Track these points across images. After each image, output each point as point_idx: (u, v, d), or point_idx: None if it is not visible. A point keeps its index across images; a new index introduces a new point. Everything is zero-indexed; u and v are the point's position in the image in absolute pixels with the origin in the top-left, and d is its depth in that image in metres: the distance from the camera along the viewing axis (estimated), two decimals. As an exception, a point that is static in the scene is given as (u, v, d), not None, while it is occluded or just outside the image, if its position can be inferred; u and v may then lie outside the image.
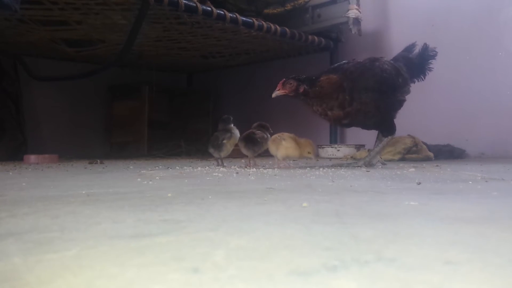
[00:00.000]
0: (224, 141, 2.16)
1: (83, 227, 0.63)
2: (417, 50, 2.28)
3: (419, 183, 1.29)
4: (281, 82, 2.11)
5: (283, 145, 2.01)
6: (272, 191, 1.07)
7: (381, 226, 0.63)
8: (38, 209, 0.81)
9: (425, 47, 2.25)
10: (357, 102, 2.01)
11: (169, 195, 0.98)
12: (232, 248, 0.50)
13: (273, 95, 2.14)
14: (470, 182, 1.32)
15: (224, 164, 2.25)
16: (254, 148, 2.10)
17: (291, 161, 2.37)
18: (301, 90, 2.05)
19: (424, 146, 3.08)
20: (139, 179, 1.40)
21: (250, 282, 0.39)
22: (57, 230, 0.61)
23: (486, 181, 1.36)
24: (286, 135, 2.06)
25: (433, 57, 2.27)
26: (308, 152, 2.02)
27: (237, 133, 2.24)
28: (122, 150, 3.98)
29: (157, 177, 1.49)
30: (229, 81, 4.99)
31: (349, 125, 2.18)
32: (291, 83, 2.08)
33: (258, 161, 2.25)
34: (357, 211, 0.77)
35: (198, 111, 4.62)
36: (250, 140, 2.11)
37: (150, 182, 1.31)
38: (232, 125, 2.27)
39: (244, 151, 2.16)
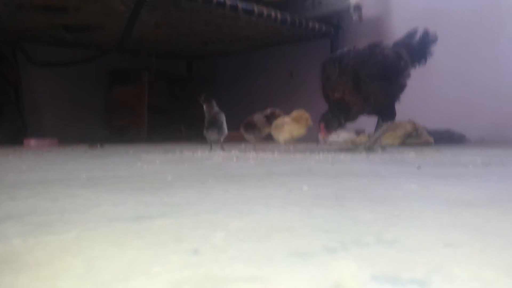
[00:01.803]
0: (224, 123, 2.15)
1: (83, 210, 0.63)
2: (418, 35, 2.27)
3: (419, 167, 1.29)
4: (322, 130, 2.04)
5: (285, 128, 2.01)
6: (272, 175, 1.07)
7: (381, 209, 0.63)
8: (38, 192, 0.81)
9: (426, 32, 2.24)
10: (370, 92, 2.02)
11: (169, 178, 0.98)
12: (232, 230, 0.50)
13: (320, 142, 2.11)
14: (470, 167, 1.32)
15: (224, 148, 2.25)
16: (255, 133, 2.10)
17: (291, 145, 2.37)
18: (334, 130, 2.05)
19: (424, 131, 3.07)
20: (139, 163, 1.40)
21: (250, 263, 0.39)
22: (56, 213, 0.61)
23: (486, 166, 1.36)
24: (286, 119, 2.07)
25: (434, 42, 2.26)
26: (306, 120, 2.02)
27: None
28: (121, 134, 3.98)
29: (157, 161, 1.49)
30: (229, 67, 4.96)
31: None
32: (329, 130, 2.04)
33: (260, 146, 2.25)
34: (357, 194, 0.77)
35: (197, 96, 4.59)
36: (250, 126, 2.11)
37: (150, 166, 1.31)
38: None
39: (246, 136, 2.16)
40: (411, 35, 2.28)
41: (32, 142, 2.86)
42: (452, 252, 0.42)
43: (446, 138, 3.25)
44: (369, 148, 2.17)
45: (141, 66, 4.11)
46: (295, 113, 2.05)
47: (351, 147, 2.28)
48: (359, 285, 0.34)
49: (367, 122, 2.53)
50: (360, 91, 2.00)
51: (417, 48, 2.23)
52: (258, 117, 2.13)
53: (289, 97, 4.44)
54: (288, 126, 2.01)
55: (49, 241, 0.47)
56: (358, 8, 3.57)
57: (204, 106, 2.21)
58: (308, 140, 3.55)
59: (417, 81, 3.49)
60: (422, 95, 3.60)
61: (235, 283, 0.34)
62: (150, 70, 3.99)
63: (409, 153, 1.96)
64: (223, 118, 2.16)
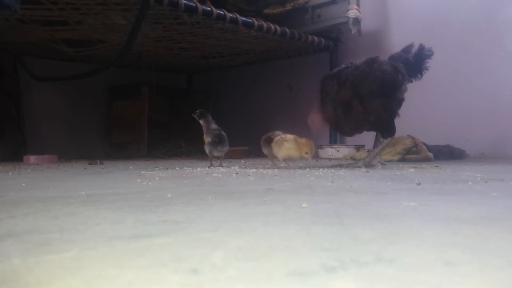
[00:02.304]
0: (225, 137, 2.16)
1: (82, 228, 0.63)
2: (414, 50, 2.29)
3: (419, 184, 1.29)
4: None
5: (284, 146, 2.01)
6: (272, 192, 1.07)
7: (380, 226, 0.63)
8: (38, 209, 0.81)
9: (422, 47, 2.25)
10: (372, 109, 2.04)
11: (169, 195, 0.98)
12: (231, 249, 0.50)
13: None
14: (470, 183, 1.32)
15: (223, 164, 2.25)
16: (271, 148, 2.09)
17: (291, 162, 2.37)
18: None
19: (424, 147, 3.08)
20: (138, 180, 1.40)
21: (249, 282, 0.39)
22: (56, 231, 0.61)
23: (486, 182, 1.36)
24: (288, 136, 2.07)
25: (429, 56, 2.28)
26: (306, 153, 2.03)
27: None
28: (122, 150, 3.98)
29: (156, 178, 1.49)
30: (229, 81, 4.99)
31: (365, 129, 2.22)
32: None
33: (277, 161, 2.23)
34: (356, 211, 0.77)
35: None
36: (268, 141, 2.10)
37: (149, 183, 1.31)
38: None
39: (264, 151, 2.15)
40: (407, 49, 2.30)
41: (32, 158, 2.86)
42: (451, 271, 0.42)
43: (446, 154, 3.25)
44: (369, 163, 2.18)
45: (142, 80, 4.14)
46: (303, 140, 2.05)
47: (351, 163, 2.28)
48: (358, 306, 0.34)
49: (367, 138, 2.54)
50: (362, 107, 2.02)
51: (413, 63, 2.25)
52: (276, 134, 2.11)
53: (289, 111, 4.45)
54: (287, 145, 2.01)
55: (49, 260, 0.47)
56: (357, 22, 3.61)
57: (201, 122, 2.22)
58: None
59: (417, 96, 3.52)
60: (421, 111, 3.61)
61: (234, 304, 0.34)
62: (150, 85, 4.02)
63: (408, 169, 1.96)
64: (221, 132, 2.18)
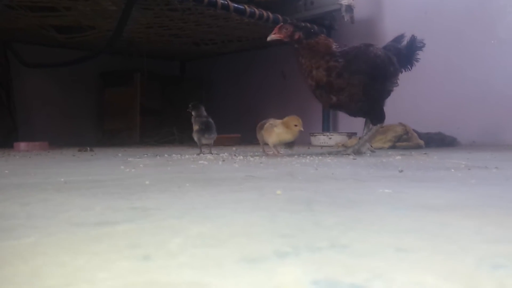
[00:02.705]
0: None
1: (50, 215, 0.63)
2: (405, 41, 2.28)
3: (401, 171, 1.29)
4: (278, 26, 2.11)
5: (274, 131, 2.01)
6: (251, 179, 1.07)
7: (347, 213, 0.64)
8: (12, 196, 0.81)
9: (413, 39, 2.25)
10: (345, 81, 2.01)
11: (147, 182, 0.98)
12: (191, 236, 0.51)
13: (268, 39, 2.15)
14: (453, 170, 1.33)
15: (213, 151, 2.25)
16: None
17: (282, 149, 2.37)
18: (296, 37, 2.05)
19: (415, 134, 3.08)
20: (122, 167, 1.40)
21: (198, 269, 0.39)
22: (23, 217, 0.61)
23: (469, 169, 1.37)
24: (277, 121, 2.06)
25: (421, 48, 2.27)
26: (295, 125, 2.01)
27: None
28: (114, 137, 3.98)
29: (141, 165, 1.49)
30: (222, 68, 4.97)
31: (336, 106, 2.17)
32: (287, 28, 2.09)
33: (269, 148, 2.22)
34: (329, 198, 0.77)
35: (190, 98, 4.60)
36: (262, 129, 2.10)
37: (133, 170, 1.31)
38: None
39: (259, 138, 2.14)
40: (398, 39, 2.30)
41: (22, 145, 2.85)
42: (401, 257, 0.42)
43: (437, 141, 3.26)
44: (358, 151, 2.18)
45: (134, 67, 4.11)
46: (286, 118, 2.04)
47: (340, 150, 2.28)
48: (298, 291, 0.34)
49: (359, 125, 2.54)
50: (342, 75, 2.00)
51: (405, 54, 2.24)
52: (272, 121, 2.10)
53: (282, 99, 4.45)
54: (277, 130, 2.01)
55: (6, 246, 0.47)
56: (349, 9, 3.59)
57: (193, 113, 2.21)
58: (303, 143, 3.57)
59: (409, 84, 3.51)
60: (413, 98, 3.61)
61: (176, 289, 0.34)
62: (142, 72, 3.99)
63: (396, 156, 1.96)
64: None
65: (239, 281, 0.36)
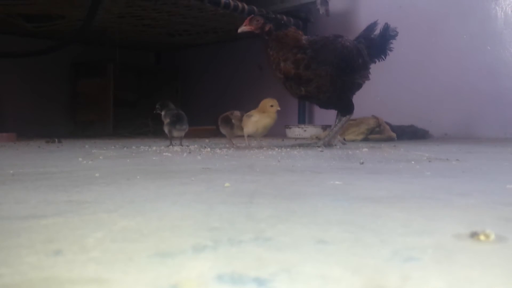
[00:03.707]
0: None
1: (-21, 208, 0.61)
2: (378, 29, 2.27)
3: (362, 163, 1.30)
4: (248, 18, 2.10)
5: (251, 120, 1.99)
6: (207, 171, 1.06)
7: (285, 205, 0.63)
8: (-50, 189, 0.78)
9: (386, 27, 2.25)
10: (313, 72, 2.01)
11: (97, 175, 0.96)
12: (114, 230, 0.49)
13: (239, 30, 2.14)
14: (413, 162, 1.34)
15: (183, 143, 2.23)
16: (231, 128, 2.07)
17: (253, 140, 2.35)
18: (267, 28, 2.05)
19: (387, 127, 3.11)
20: (80, 159, 1.37)
21: (105, 264, 0.38)
22: (-51, 211, 0.59)
23: (429, 161, 1.38)
24: (252, 111, 2.05)
25: (394, 37, 2.28)
26: (271, 106, 1.99)
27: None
28: (87, 129, 3.91)
29: (100, 157, 1.46)
30: (199, 60, 4.92)
31: (305, 98, 2.18)
32: (258, 20, 2.08)
33: (235, 141, 2.21)
34: (275, 191, 0.77)
35: (166, 89, 4.56)
36: (226, 121, 2.08)
37: (90, 162, 1.29)
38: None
39: (222, 130, 2.12)
40: (370, 27, 2.28)
41: (-12, 136, 2.78)
42: (319, 250, 0.42)
43: (409, 134, 3.30)
44: (328, 143, 2.19)
45: (107, 57, 4.04)
46: (261, 103, 2.03)
47: (310, 143, 2.28)
48: (198, 285, 0.33)
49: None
50: (309, 66, 2.01)
51: (378, 43, 2.24)
52: (235, 113, 2.08)
53: (259, 90, 4.42)
54: (254, 118, 1.99)
55: None
56: (325, 2, 3.59)
57: (162, 113, 2.18)
58: (277, 135, 3.57)
59: (383, 77, 3.53)
60: (386, 91, 3.64)
61: (72, 285, 0.33)
62: (115, 62, 3.92)
63: (363, 148, 1.98)
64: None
65: (140, 277, 0.35)
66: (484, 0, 3.35)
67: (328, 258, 0.39)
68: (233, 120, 2.08)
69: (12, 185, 0.82)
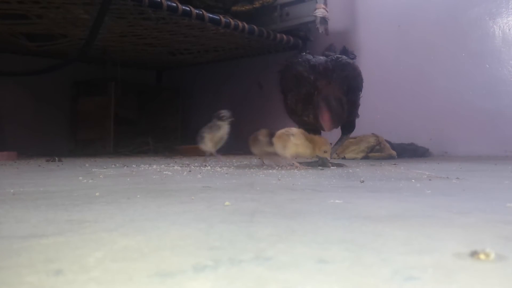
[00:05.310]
0: (204, 134, 2.14)
1: (-20, 228, 0.61)
2: (336, 52, 2.18)
3: (363, 181, 1.30)
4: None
5: (291, 141, 1.80)
6: (207, 190, 1.06)
7: (285, 224, 0.63)
8: (-50, 208, 0.78)
9: (345, 50, 2.20)
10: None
11: (97, 194, 0.96)
12: (115, 249, 0.49)
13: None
14: (413, 180, 1.34)
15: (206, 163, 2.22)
16: (260, 147, 2.00)
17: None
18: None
19: (387, 145, 3.12)
20: (80, 178, 1.37)
21: (105, 284, 0.38)
22: (-51, 231, 0.59)
23: (430, 180, 1.38)
24: (294, 129, 1.86)
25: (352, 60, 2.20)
26: (325, 152, 1.84)
27: (224, 129, 2.18)
28: (87, 147, 3.91)
29: (101, 176, 1.46)
30: (199, 78, 4.96)
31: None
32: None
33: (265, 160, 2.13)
34: (275, 209, 0.76)
35: (167, 108, 4.58)
36: (255, 140, 2.02)
37: (90, 181, 1.29)
38: (224, 121, 2.20)
39: (252, 150, 2.05)
40: (330, 49, 2.22)
41: (-11, 154, 2.78)
42: (319, 269, 0.42)
43: (409, 152, 3.30)
44: (327, 162, 2.17)
45: (108, 76, 4.07)
46: (317, 137, 1.85)
47: (312, 161, 2.28)
48: (198, 306, 0.33)
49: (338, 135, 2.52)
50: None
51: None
52: (263, 133, 2.00)
53: (259, 109, 4.45)
54: (294, 139, 1.79)
55: None
56: (324, 21, 3.63)
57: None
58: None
59: (382, 95, 3.57)
60: (386, 109, 3.66)
61: (72, 306, 0.33)
62: (117, 81, 3.95)
63: (363, 167, 1.98)
64: (207, 129, 2.17)
65: (140, 297, 0.35)
66: (482, 18, 3.39)
67: (329, 277, 0.39)
68: (259, 137, 1.97)
69: (12, 204, 0.82)
